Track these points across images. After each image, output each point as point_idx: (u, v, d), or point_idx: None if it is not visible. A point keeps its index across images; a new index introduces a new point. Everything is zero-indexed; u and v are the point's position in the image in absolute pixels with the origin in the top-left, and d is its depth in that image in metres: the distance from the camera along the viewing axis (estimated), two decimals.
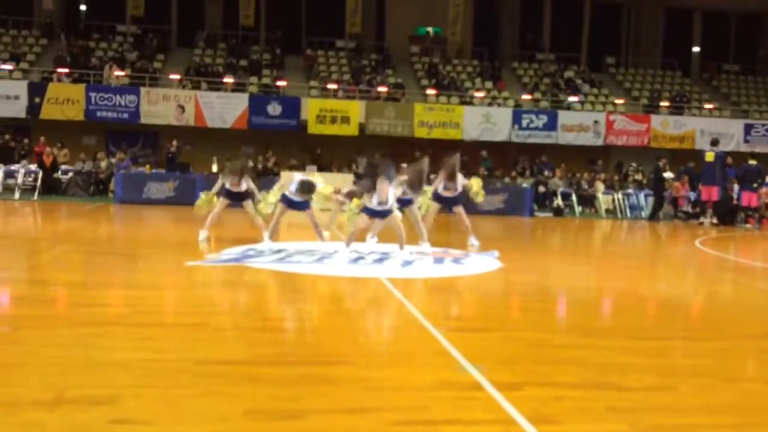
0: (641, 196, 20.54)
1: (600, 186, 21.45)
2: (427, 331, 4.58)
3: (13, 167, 18.41)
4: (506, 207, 18.87)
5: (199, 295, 5.80)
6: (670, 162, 24.16)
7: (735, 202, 18.37)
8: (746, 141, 25.07)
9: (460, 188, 9.78)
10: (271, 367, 3.62)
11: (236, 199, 9.34)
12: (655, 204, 19.19)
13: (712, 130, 24.44)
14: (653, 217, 18.98)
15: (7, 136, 21.27)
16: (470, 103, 24.64)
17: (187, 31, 27.57)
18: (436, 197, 9.80)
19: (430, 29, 29.44)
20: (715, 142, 18.68)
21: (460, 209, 9.83)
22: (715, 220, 17.94)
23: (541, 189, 20.85)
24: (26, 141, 21.37)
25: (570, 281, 7.65)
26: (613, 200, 20.80)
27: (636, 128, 24.42)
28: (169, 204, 16.81)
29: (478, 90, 25.62)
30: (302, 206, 8.87)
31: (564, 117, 24.21)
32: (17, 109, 21.49)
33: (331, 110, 22.79)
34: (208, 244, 9.07)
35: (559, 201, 20.32)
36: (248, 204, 9.33)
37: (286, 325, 4.93)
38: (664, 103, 25.98)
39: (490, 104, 24.87)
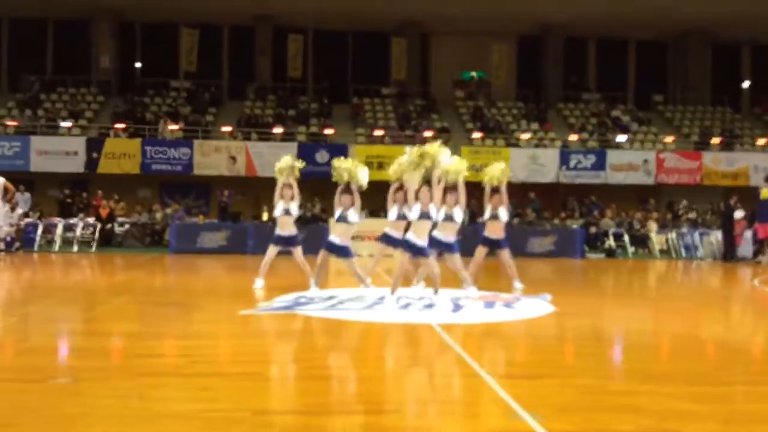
0: (696, 236, 20.05)
1: (653, 225, 21.02)
2: (480, 379, 4.53)
3: (72, 221, 19.05)
4: (556, 249, 18.62)
5: (253, 344, 5.87)
6: (724, 199, 23.57)
7: None
8: None
9: (504, 217, 9.59)
10: (325, 417, 3.64)
11: (285, 243, 9.44)
12: (727, 244, 18.64)
13: (766, 165, 23.82)
14: (728, 257, 18.39)
15: (66, 191, 22.06)
16: (516, 145, 24.61)
17: (238, 84, 28.43)
18: (483, 240, 9.72)
19: (474, 73, 29.69)
20: None
21: (505, 252, 9.72)
22: None
23: (592, 230, 20.55)
24: (84, 195, 22.12)
25: (625, 324, 7.48)
26: (667, 240, 20.34)
27: (687, 166, 23.99)
28: (222, 253, 17.12)
29: (524, 132, 25.61)
30: (344, 252, 8.86)
31: (613, 156, 23.95)
32: (76, 165, 22.32)
33: (378, 156, 23.03)
34: (262, 292, 9.18)
35: (610, 242, 19.97)
36: (297, 250, 9.42)
37: (338, 374, 4.95)
38: (716, 140, 25.50)
39: (536, 145, 24.80)
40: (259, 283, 9.47)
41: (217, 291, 10.02)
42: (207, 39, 28.05)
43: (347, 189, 9.02)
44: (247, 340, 6.03)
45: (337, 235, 8.84)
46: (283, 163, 9.64)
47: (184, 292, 9.82)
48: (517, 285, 9.64)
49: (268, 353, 5.60)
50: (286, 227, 9.43)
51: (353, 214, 8.85)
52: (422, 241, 7.94)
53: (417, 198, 7.97)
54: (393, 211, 9.09)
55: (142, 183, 23.59)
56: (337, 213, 8.85)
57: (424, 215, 7.90)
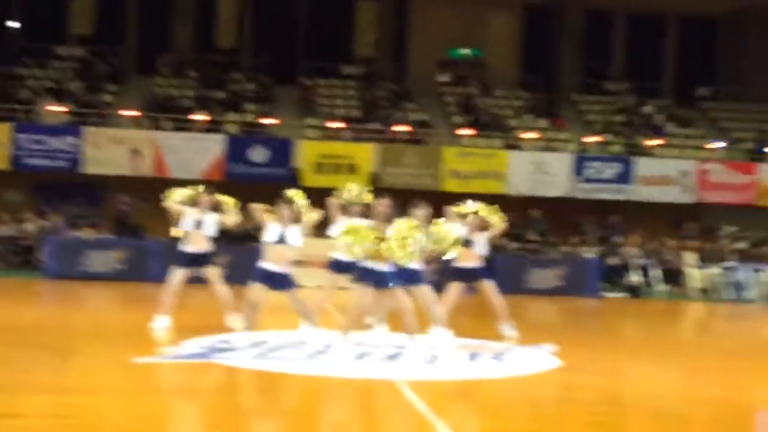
0: (745, 272, 20.38)
1: (690, 257, 21.33)
2: None
3: None
4: (565, 285, 18.72)
5: (150, 404, 5.78)
6: None
7: None
8: None
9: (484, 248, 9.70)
10: None
11: (193, 263, 9.47)
12: None
13: None
14: None
15: None
16: (518, 147, 24.77)
17: (148, 54, 28.15)
18: (455, 273, 9.74)
19: (465, 51, 29.84)
20: None
21: (489, 285, 9.76)
22: None
23: (612, 261, 20.77)
24: None
25: (650, 386, 7.54)
26: (709, 277, 20.63)
27: (738, 181, 24.35)
28: (117, 280, 16.79)
29: (528, 130, 25.81)
30: (284, 283, 8.81)
31: (642, 166, 24.19)
32: None
33: (334, 156, 22.91)
34: (166, 334, 9.08)
35: (635, 277, 20.19)
36: (211, 271, 9.47)
37: None
38: None
39: (544, 148, 25.00)
40: (161, 322, 9.40)
41: (107, 331, 9.88)
42: None
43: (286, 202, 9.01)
44: (143, 399, 5.94)
45: (272, 260, 8.80)
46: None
47: (61, 332, 9.66)
48: (508, 330, 9.66)
49: (172, 417, 5.52)
50: (196, 243, 9.48)
51: (295, 235, 8.82)
52: (384, 267, 7.95)
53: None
54: (339, 226, 9.10)
55: (11, 183, 23.20)
56: (274, 232, 8.77)
57: None
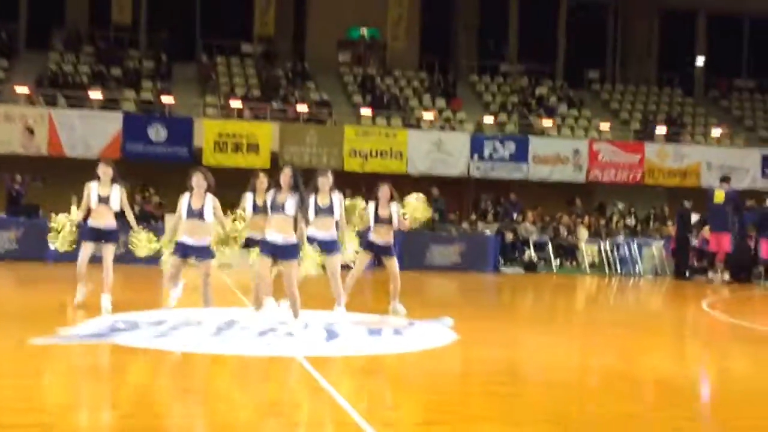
0: (634, 247, 21.07)
1: (583, 233, 21.90)
2: (357, 428, 4.54)
3: None
4: (464, 261, 19.05)
5: (46, 385, 5.63)
6: (668, 202, 24.92)
7: (753, 253, 18.99)
8: (765, 176, 25.99)
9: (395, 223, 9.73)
10: None
11: (98, 237, 9.24)
12: (681, 256, 19.64)
13: (722, 162, 25.28)
14: (681, 273, 19.38)
15: None
16: (417, 127, 24.96)
17: (41, 29, 27.30)
18: (367, 245, 9.71)
19: (364, 31, 29.83)
20: (725, 179, 19.38)
21: (392, 262, 9.75)
22: (726, 277, 18.51)
23: (509, 237, 21.15)
24: None
25: (545, 357, 7.72)
26: (600, 251, 21.25)
27: (626, 160, 25.11)
28: (11, 260, 16.38)
29: (426, 110, 26.02)
30: (202, 254, 8.76)
31: (537, 145, 24.73)
32: None
33: (235, 135, 22.69)
34: (70, 312, 8.86)
35: (531, 253, 20.64)
36: (109, 248, 9.25)
37: (164, 426, 4.82)
38: (661, 129, 26.85)
39: (442, 128, 25.25)
40: (79, 294, 9.26)
41: (0, 310, 9.56)
42: None
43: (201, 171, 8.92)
44: (39, 380, 5.78)
45: (189, 233, 8.69)
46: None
47: None
48: (399, 307, 9.68)
49: (69, 398, 5.37)
50: (103, 218, 9.23)
51: (210, 210, 8.72)
52: (285, 238, 7.95)
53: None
54: (248, 202, 9.09)
55: None
56: (185, 207, 8.66)
57: (278, 207, 7.99)
